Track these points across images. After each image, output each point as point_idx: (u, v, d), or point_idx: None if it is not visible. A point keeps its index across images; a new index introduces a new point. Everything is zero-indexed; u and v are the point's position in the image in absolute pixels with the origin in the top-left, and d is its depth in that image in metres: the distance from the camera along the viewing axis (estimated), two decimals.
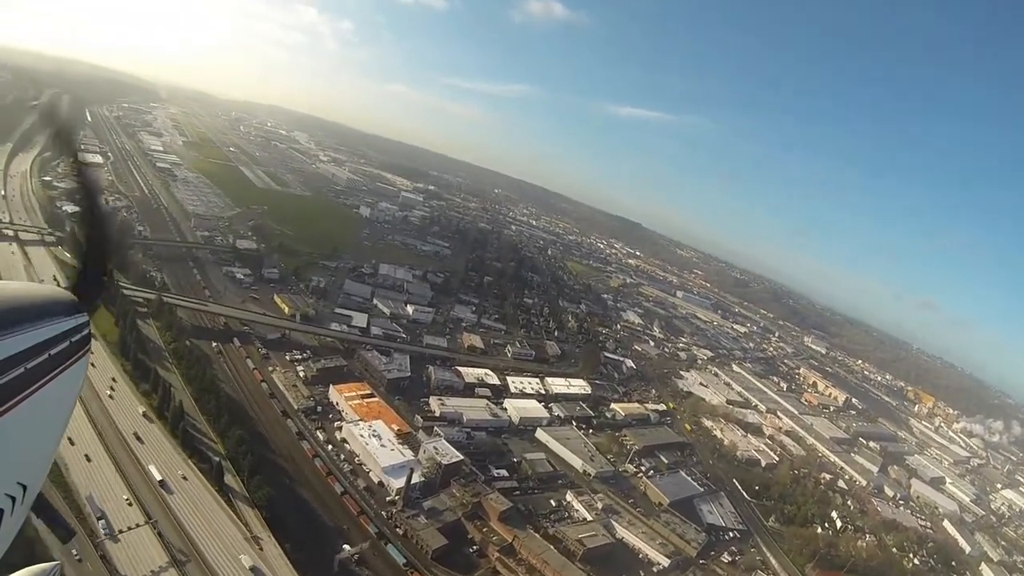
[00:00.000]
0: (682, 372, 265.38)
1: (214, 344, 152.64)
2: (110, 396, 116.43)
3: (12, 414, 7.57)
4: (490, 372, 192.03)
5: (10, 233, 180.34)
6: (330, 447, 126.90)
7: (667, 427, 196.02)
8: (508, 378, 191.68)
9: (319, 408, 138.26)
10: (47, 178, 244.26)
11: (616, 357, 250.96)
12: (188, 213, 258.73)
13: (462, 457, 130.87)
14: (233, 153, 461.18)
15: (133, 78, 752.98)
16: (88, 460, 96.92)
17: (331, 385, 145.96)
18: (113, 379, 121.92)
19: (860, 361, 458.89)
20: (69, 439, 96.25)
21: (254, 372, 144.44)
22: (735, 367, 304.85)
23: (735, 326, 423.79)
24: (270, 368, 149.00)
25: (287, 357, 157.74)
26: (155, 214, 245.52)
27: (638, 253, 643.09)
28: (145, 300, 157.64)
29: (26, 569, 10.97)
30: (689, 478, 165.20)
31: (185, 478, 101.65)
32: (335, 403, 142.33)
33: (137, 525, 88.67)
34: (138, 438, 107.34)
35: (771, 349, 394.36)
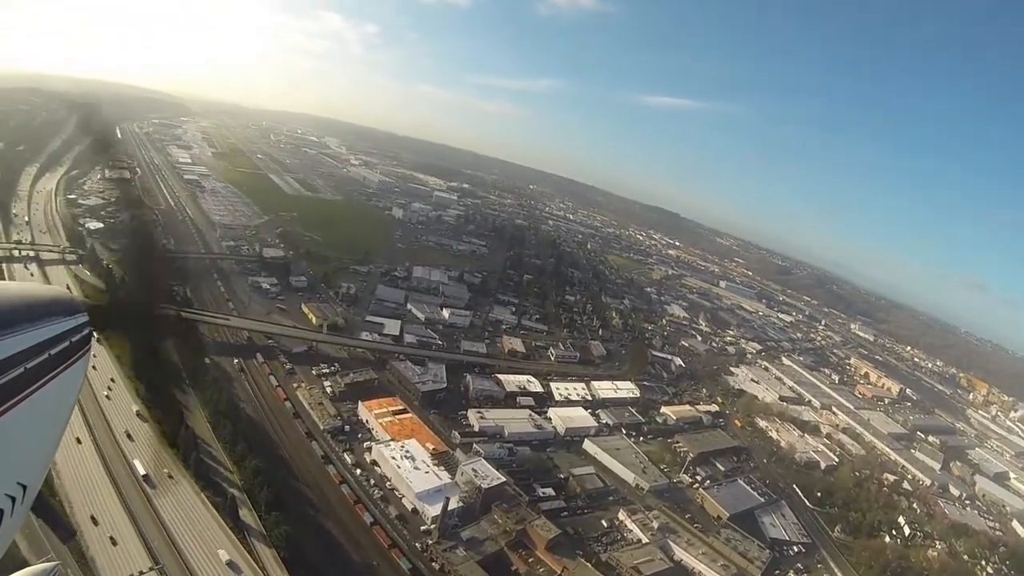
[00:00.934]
0: (732, 368, 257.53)
1: (235, 361, 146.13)
2: (127, 435, 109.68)
3: (12, 414, 7.83)
4: (532, 379, 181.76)
5: (31, 253, 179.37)
6: (359, 471, 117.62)
7: (721, 430, 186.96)
8: (552, 384, 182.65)
9: (347, 427, 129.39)
10: (72, 196, 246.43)
11: (664, 355, 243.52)
12: (214, 224, 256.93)
13: (504, 479, 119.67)
14: (262, 161, 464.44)
15: (163, 95, 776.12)
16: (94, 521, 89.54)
17: (360, 401, 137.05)
18: (137, 412, 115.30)
19: (909, 347, 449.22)
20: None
21: (277, 390, 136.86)
22: (785, 360, 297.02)
23: (781, 315, 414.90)
24: (295, 385, 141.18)
25: (313, 372, 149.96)
26: (180, 226, 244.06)
27: (677, 243, 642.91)
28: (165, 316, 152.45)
29: (26, 569, 12.28)
30: (748, 487, 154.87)
31: (194, 514, 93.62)
32: (364, 421, 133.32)
33: (141, 573, 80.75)
34: (148, 481, 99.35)
35: (819, 339, 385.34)
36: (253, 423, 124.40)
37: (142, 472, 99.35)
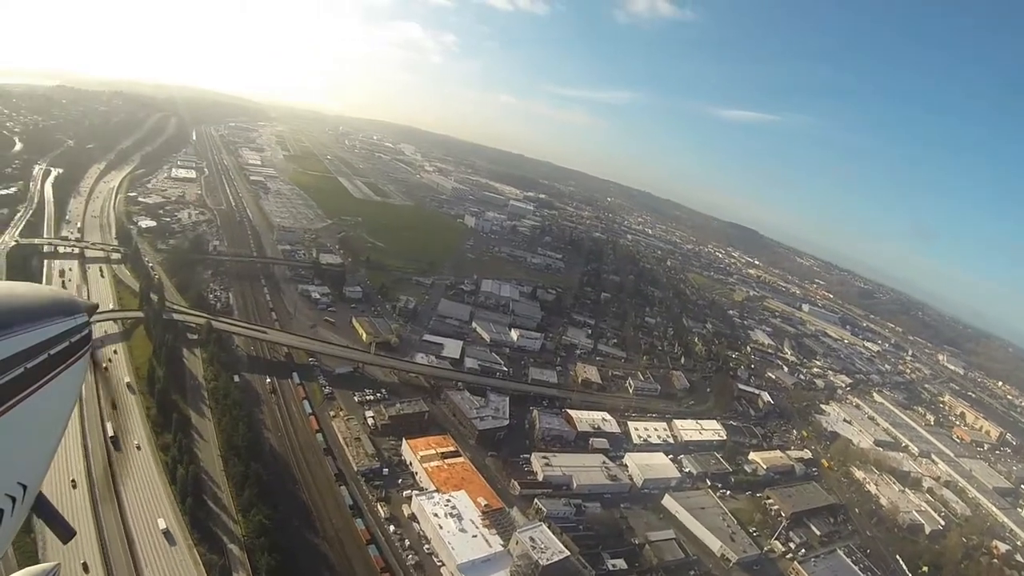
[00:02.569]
0: (822, 405, 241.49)
1: (268, 380, 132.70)
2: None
3: (12, 414, 7.97)
4: (608, 416, 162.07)
5: (75, 251, 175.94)
6: (393, 528, 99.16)
7: (815, 483, 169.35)
8: (630, 423, 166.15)
9: (385, 470, 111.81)
10: (132, 193, 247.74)
11: (751, 389, 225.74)
12: (273, 226, 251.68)
13: (567, 553, 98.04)
14: (333, 165, 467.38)
15: (244, 100, 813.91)
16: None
17: (404, 438, 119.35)
18: (137, 445, 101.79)
19: (1001, 383, 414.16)
20: None
21: (310, 418, 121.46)
22: (876, 396, 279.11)
23: (867, 344, 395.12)
24: (332, 413, 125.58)
25: (355, 398, 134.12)
26: (236, 227, 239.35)
27: (757, 262, 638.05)
28: (197, 326, 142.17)
29: (26, 569, 11.56)
30: (848, 559, 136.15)
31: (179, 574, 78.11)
32: (407, 463, 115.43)
33: None
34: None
35: (908, 371, 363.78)
36: (275, 457, 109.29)
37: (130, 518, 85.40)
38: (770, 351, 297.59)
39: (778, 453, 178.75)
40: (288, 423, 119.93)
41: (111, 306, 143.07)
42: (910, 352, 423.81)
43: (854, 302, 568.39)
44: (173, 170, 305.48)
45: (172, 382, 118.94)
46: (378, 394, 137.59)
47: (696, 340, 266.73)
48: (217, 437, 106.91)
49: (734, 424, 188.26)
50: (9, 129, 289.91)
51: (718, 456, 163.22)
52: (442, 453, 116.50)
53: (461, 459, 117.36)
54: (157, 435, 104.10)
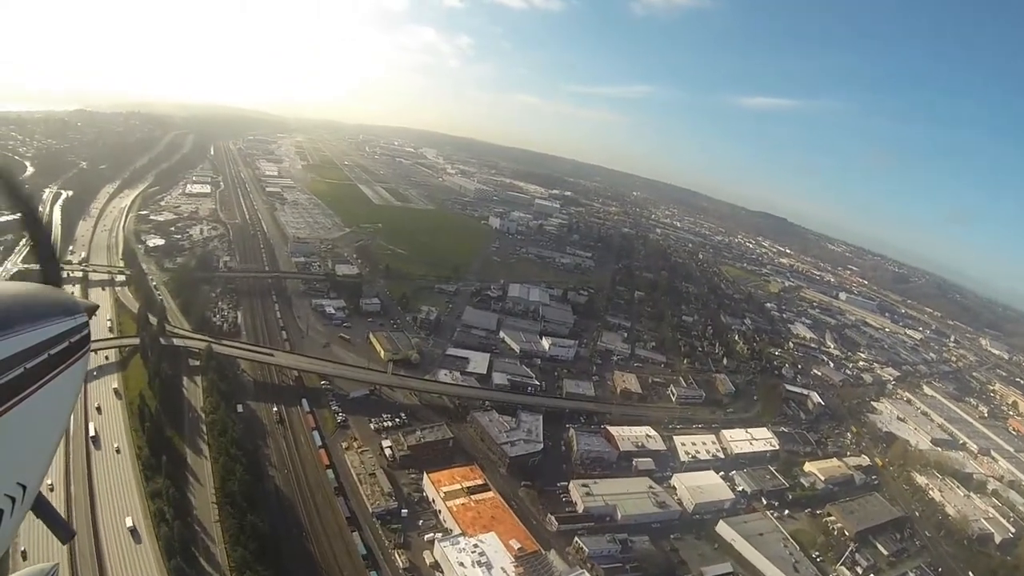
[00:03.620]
0: (873, 402, 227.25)
1: (275, 409, 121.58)
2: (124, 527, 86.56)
3: (12, 414, 7.99)
4: (651, 431, 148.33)
5: (79, 274, 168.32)
6: None
7: (877, 494, 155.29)
8: (675, 438, 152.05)
9: (404, 510, 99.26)
10: (144, 212, 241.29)
11: (799, 390, 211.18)
12: (288, 237, 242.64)
13: None
14: (353, 172, 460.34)
15: (263, 114, 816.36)
16: None
17: (426, 472, 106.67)
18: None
19: None
20: None
21: (320, 452, 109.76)
22: (927, 389, 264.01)
23: (908, 332, 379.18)
24: (344, 444, 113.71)
25: (372, 425, 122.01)
26: (249, 241, 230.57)
27: (788, 251, 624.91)
28: (199, 351, 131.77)
29: (26, 569, 11.35)
30: None
31: None
32: (429, 500, 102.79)
33: None
34: None
35: (953, 359, 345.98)
36: (280, 500, 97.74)
37: None
38: (813, 345, 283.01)
39: (835, 462, 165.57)
40: (296, 459, 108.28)
41: (107, 333, 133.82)
42: (952, 338, 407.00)
43: (889, 287, 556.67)
44: (188, 186, 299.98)
45: (168, 416, 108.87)
46: (397, 419, 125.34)
47: (737, 338, 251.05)
48: (214, 480, 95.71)
49: (785, 431, 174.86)
50: (21, 154, 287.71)
51: (772, 470, 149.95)
52: (468, 488, 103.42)
53: (490, 494, 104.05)
54: (147, 479, 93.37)
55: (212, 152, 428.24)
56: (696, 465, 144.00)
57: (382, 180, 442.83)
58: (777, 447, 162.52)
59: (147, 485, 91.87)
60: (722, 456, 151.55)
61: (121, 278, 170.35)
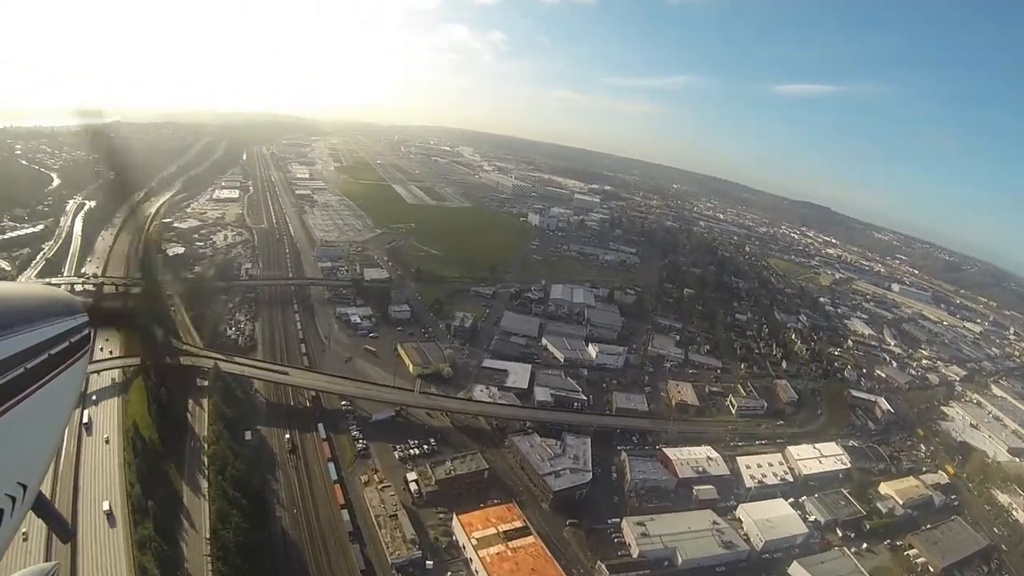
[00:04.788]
0: (943, 407, 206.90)
1: (287, 436, 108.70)
2: None
3: (12, 414, 7.96)
4: (712, 453, 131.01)
5: (91, 287, 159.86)
6: None
7: (959, 518, 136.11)
8: (739, 460, 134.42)
9: (430, 562, 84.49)
10: (168, 219, 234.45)
11: (865, 396, 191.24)
12: (315, 241, 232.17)
13: None
14: (387, 172, 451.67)
15: (298, 119, 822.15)
16: None
17: (455, 513, 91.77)
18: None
19: None
20: None
21: (334, 488, 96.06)
22: (995, 389, 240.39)
23: (967, 325, 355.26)
24: (363, 478, 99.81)
25: (395, 453, 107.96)
26: (275, 247, 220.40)
27: (834, 241, 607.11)
28: (208, 370, 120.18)
29: (26, 569, 11.64)
30: None
31: None
32: (460, 546, 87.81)
33: None
34: None
35: (1017, 353, 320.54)
36: (287, 548, 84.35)
37: None
38: (873, 343, 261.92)
39: (912, 481, 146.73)
40: (307, 496, 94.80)
41: (110, 352, 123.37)
42: (1011, 330, 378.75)
43: (941, 276, 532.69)
44: (215, 191, 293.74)
45: (168, 446, 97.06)
46: (425, 446, 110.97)
47: (794, 336, 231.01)
48: (210, 525, 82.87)
49: (855, 445, 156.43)
50: (48, 166, 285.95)
51: (845, 493, 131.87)
52: (505, 532, 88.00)
53: (530, 539, 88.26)
54: (136, 522, 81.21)
55: (244, 158, 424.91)
56: (763, 491, 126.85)
57: (417, 179, 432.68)
58: (848, 465, 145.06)
59: (135, 531, 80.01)
60: (790, 479, 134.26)
61: (136, 290, 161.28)
